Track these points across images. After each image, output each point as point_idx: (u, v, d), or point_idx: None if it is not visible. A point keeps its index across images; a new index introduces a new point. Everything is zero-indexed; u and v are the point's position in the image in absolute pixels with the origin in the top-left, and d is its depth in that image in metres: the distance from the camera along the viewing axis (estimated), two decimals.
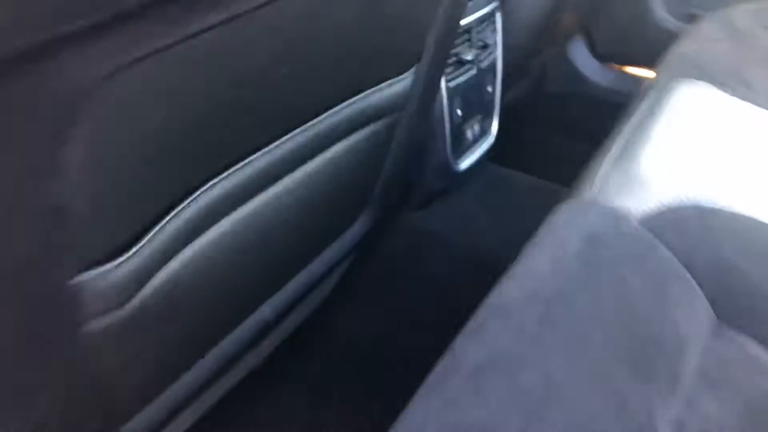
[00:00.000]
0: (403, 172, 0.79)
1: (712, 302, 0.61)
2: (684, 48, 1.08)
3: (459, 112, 0.92)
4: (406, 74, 0.66)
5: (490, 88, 1.00)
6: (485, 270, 0.63)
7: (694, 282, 0.61)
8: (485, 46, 0.94)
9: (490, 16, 0.96)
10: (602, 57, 1.64)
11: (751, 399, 0.55)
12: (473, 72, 0.92)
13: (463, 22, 0.87)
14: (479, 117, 1.00)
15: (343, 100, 0.61)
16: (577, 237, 0.61)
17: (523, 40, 1.06)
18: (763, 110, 0.84)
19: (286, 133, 0.54)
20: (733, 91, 0.91)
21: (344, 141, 0.66)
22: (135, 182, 0.38)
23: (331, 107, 0.59)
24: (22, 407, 0.37)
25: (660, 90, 0.90)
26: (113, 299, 0.39)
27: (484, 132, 1.03)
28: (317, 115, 0.57)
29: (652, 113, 0.82)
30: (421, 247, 0.98)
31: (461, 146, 0.97)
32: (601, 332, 0.53)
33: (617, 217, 0.64)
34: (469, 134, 0.98)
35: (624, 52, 1.64)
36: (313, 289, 0.83)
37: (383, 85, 0.65)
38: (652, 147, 0.73)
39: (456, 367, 0.48)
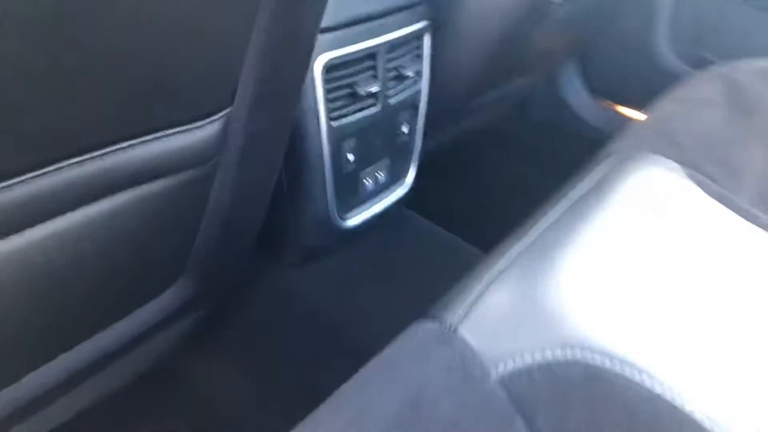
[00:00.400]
0: (229, 237, 0.60)
1: None
2: (670, 106, 0.87)
3: (350, 157, 0.72)
4: (209, 120, 0.47)
5: (405, 128, 0.80)
6: (344, 352, 0.57)
7: None
8: (399, 77, 0.74)
9: (414, 39, 0.75)
10: (595, 90, 1.43)
11: None
12: (376, 109, 0.72)
13: (364, 45, 0.67)
14: (386, 162, 0.80)
15: (128, 137, 0.43)
16: (401, 391, 0.42)
17: (466, 71, 0.85)
18: (738, 217, 0.63)
19: (57, 159, 0.37)
20: (709, 178, 0.70)
21: (136, 189, 0.47)
22: None
23: (113, 141, 0.41)
24: None
25: (613, 167, 0.69)
26: None
27: (394, 180, 0.83)
28: (96, 145, 0.39)
29: (582, 211, 0.61)
30: (284, 311, 0.79)
31: (354, 199, 0.77)
32: None
33: (470, 370, 0.45)
34: (367, 184, 0.78)
35: (620, 89, 1.43)
36: (120, 354, 0.65)
37: (179, 129, 0.46)
38: (554, 271, 0.52)
39: None
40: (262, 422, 0.75)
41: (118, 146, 0.43)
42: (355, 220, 0.77)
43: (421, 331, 0.48)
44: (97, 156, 0.42)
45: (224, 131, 0.49)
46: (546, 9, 0.88)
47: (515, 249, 0.54)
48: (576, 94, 1.45)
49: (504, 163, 1.38)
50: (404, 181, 0.85)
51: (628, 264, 0.52)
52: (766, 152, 0.79)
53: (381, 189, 0.81)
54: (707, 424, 0.40)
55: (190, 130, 0.46)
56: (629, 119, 1.40)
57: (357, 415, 0.40)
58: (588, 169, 0.71)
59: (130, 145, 0.44)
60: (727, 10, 1.21)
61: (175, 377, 0.82)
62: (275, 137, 0.54)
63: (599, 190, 0.65)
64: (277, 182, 0.71)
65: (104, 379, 0.70)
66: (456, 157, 1.24)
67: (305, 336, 0.78)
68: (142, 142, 0.44)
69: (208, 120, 0.47)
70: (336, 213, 0.74)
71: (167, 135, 0.45)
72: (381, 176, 0.80)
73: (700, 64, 1.15)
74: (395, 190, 0.83)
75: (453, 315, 0.48)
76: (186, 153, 0.48)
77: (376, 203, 0.81)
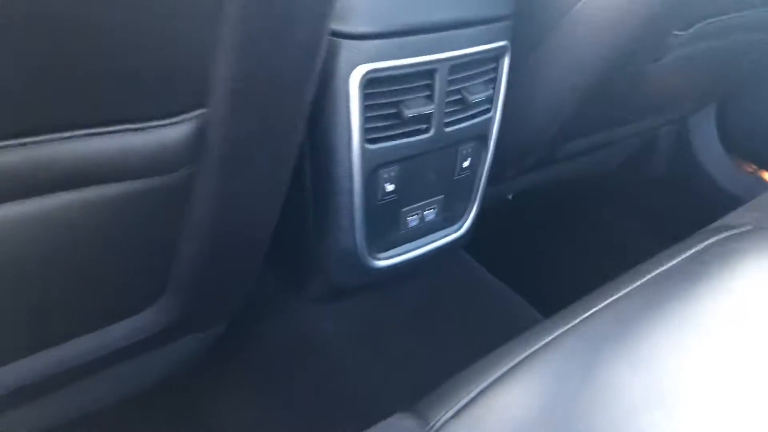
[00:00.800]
0: (220, 258, 0.52)
1: None
2: None
3: (389, 187, 0.62)
4: (179, 119, 0.39)
5: (467, 163, 0.68)
6: (346, 405, 0.53)
7: None
8: (462, 102, 0.63)
9: (489, 60, 0.64)
10: (733, 149, 1.21)
11: None
12: (428, 135, 0.61)
13: (419, 59, 0.57)
14: (439, 199, 0.68)
15: (86, 125, 0.36)
16: None
17: (557, 108, 0.72)
18: None
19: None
20: None
21: (102, 187, 0.41)
22: None
23: (68, 126, 0.34)
24: None
25: (724, 249, 0.54)
26: None
27: (447, 221, 0.71)
28: (52, 128, 0.33)
29: (672, 286, 0.47)
30: (297, 348, 0.69)
31: (390, 236, 0.66)
32: None
33: None
34: (412, 221, 0.67)
35: (763, 150, 1.19)
36: (100, 367, 0.59)
37: (139, 126, 0.38)
38: (616, 374, 0.39)
39: None
40: None
41: (67, 134, 0.36)
42: (389, 260, 0.66)
43: (397, 427, 0.36)
44: (43, 141, 0.36)
45: (199, 136, 0.40)
46: (669, 42, 0.73)
47: (548, 333, 0.41)
48: (708, 149, 1.24)
49: (600, 218, 1.20)
50: (460, 224, 0.73)
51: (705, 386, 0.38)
52: None
53: (428, 229, 0.70)
54: None
55: (153, 128, 0.38)
56: None
57: None
58: (691, 243, 0.56)
59: (78, 135, 0.37)
60: None
61: (179, 395, 0.75)
62: (273, 147, 0.45)
63: (698, 275, 0.49)
64: (303, 204, 0.63)
65: (92, 390, 0.65)
66: (534, 201, 1.09)
67: (312, 378, 0.68)
68: (94, 133, 0.37)
69: (174, 119, 0.39)
70: (365, 249, 0.63)
71: (125, 130, 0.38)
72: (430, 215, 0.68)
73: None
74: (447, 233, 0.72)
75: (434, 414, 0.36)
76: (151, 155, 0.40)
77: (420, 246, 0.69)
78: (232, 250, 0.53)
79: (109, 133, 0.37)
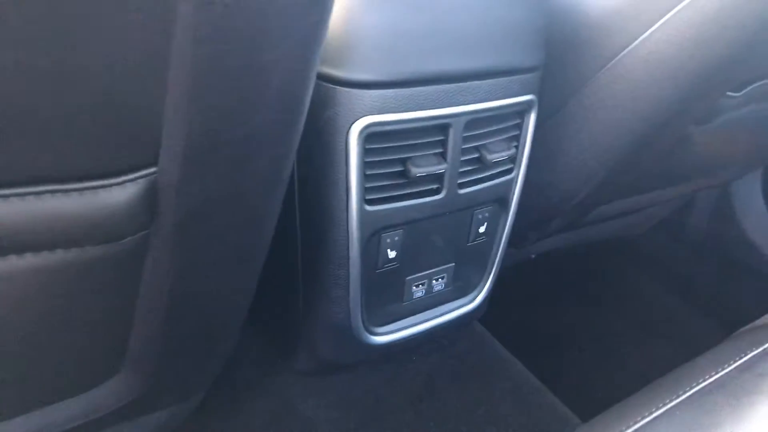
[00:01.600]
0: (186, 332, 0.44)
1: None
2: None
3: (391, 254, 0.54)
4: (121, 179, 0.32)
5: (483, 228, 0.60)
6: None
7: None
8: (480, 161, 0.55)
9: (514, 116, 0.56)
10: None
11: None
12: (439, 196, 0.53)
13: (432, 112, 0.49)
14: (449, 268, 0.60)
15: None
16: None
17: (589, 169, 0.63)
18: None
19: None
20: None
21: (32, 256, 0.34)
22: None
23: None
24: None
25: None
26: None
27: (459, 291, 0.63)
28: None
29: (731, 398, 0.38)
30: (279, 426, 0.61)
31: (392, 308, 0.58)
32: None
33: None
34: (415, 291, 0.59)
35: None
36: None
37: (73, 186, 0.31)
38: None
39: None
40: None
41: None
42: (388, 336, 0.58)
43: None
44: None
45: (150, 199, 0.33)
46: (719, 104, 0.65)
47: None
48: (753, 215, 1.14)
49: (629, 285, 1.10)
50: (474, 295, 0.64)
51: None
52: None
53: (436, 301, 0.61)
54: None
55: (89, 190, 0.31)
56: None
57: None
58: (753, 339, 0.47)
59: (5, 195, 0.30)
60: None
61: None
62: (244, 213, 0.38)
63: (764, 377, 0.40)
64: (291, 270, 0.55)
65: None
66: (559, 263, 1.00)
67: None
68: (20, 194, 0.30)
69: (117, 180, 0.32)
70: (360, 324, 0.55)
71: (51, 191, 0.31)
72: (438, 285, 0.60)
73: None
74: (458, 306, 0.63)
75: None
76: (90, 221, 0.33)
77: (426, 319, 0.61)
78: (199, 323, 0.45)
79: (30, 194, 0.30)
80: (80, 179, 0.31)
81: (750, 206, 1.17)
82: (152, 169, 0.32)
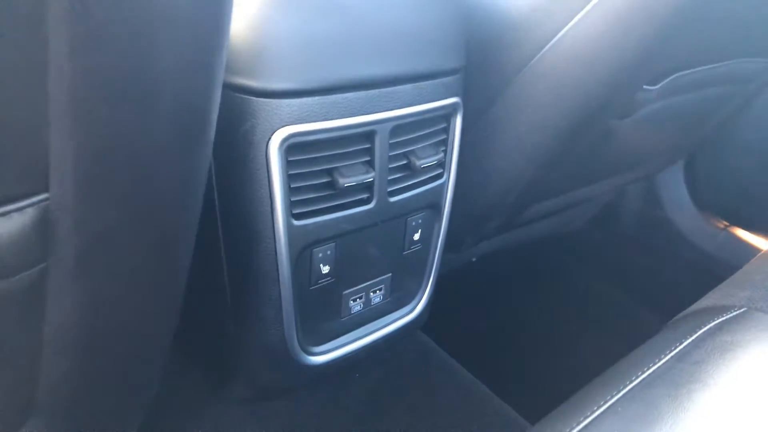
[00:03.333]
0: (101, 370, 0.41)
1: None
2: None
3: (324, 269, 0.52)
4: (6, 209, 0.29)
5: (418, 236, 0.59)
6: None
7: None
8: (409, 168, 0.54)
9: (439, 120, 0.55)
10: (704, 206, 1.15)
11: None
12: (369, 206, 0.52)
13: (356, 119, 0.48)
14: (386, 278, 0.58)
15: None
16: None
17: (518, 170, 0.63)
18: None
19: None
20: None
21: None
22: None
23: None
24: None
25: (730, 324, 0.45)
26: None
27: (397, 303, 0.61)
28: None
29: (678, 385, 0.38)
30: None
31: (329, 325, 0.56)
32: None
33: None
34: (354, 306, 0.57)
35: (737, 208, 1.14)
36: None
37: None
38: None
39: None
40: None
41: None
42: (327, 355, 0.56)
43: None
44: None
45: (43, 228, 0.30)
46: (637, 98, 0.66)
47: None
48: (678, 206, 1.18)
49: (571, 279, 1.12)
50: (413, 305, 0.63)
51: None
52: None
53: (375, 314, 0.60)
54: None
55: None
56: (754, 249, 1.11)
57: None
58: (696, 323, 0.47)
59: None
60: None
61: None
62: (152, 238, 0.35)
63: (700, 365, 0.40)
64: (219, 292, 0.52)
65: None
66: (499, 263, 1.00)
67: None
68: None
69: (2, 209, 0.28)
70: (296, 344, 0.53)
71: None
72: (377, 297, 0.58)
73: None
74: (398, 317, 0.61)
75: None
76: None
77: (366, 333, 0.59)
78: (116, 358, 0.42)
79: None
80: None
81: (675, 198, 1.21)
82: (43, 196, 0.29)
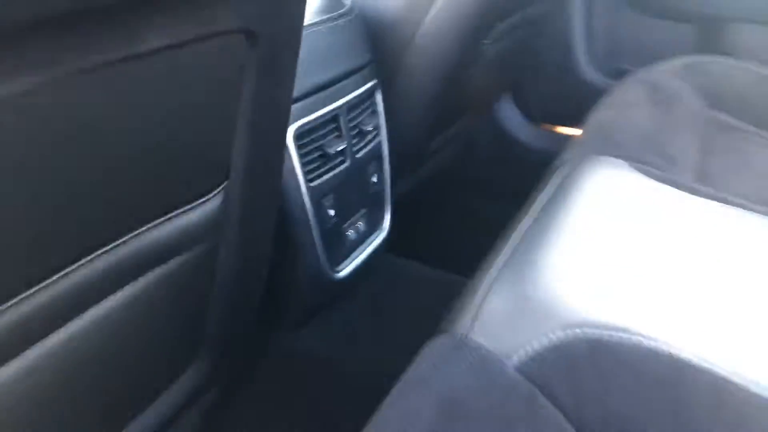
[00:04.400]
0: (237, 307, 0.64)
1: None
2: (603, 113, 0.96)
3: (331, 212, 0.77)
4: (211, 195, 0.52)
5: (375, 178, 0.86)
6: (368, 393, 0.53)
7: None
8: (361, 133, 0.81)
9: (368, 97, 0.83)
10: (532, 118, 1.54)
11: None
12: (346, 164, 0.78)
13: (327, 109, 0.74)
14: (364, 212, 0.85)
15: (141, 223, 0.46)
16: (430, 403, 0.46)
17: (418, 119, 0.93)
18: (683, 193, 0.71)
19: (85, 254, 0.42)
20: (652, 167, 0.78)
21: (155, 270, 0.51)
22: None
23: (116, 237, 0.44)
24: None
25: (569, 169, 0.77)
26: None
27: (373, 228, 0.89)
28: (103, 244, 0.43)
29: (557, 201, 0.68)
30: (300, 372, 0.81)
31: (340, 251, 0.82)
32: None
33: (489, 366, 0.49)
34: (350, 235, 0.83)
35: (553, 111, 1.54)
36: None
37: (187, 208, 0.50)
38: (548, 249, 0.58)
39: None
40: None
41: (131, 234, 0.47)
42: (345, 271, 0.82)
43: (437, 345, 0.52)
44: (118, 245, 0.46)
45: (224, 204, 0.53)
46: (477, 51, 0.98)
47: (502, 258, 0.60)
48: (516, 124, 1.55)
49: (465, 199, 1.46)
50: (382, 227, 0.90)
51: (602, 249, 0.59)
52: (693, 137, 0.89)
53: (363, 238, 0.86)
54: (703, 364, 0.46)
55: (196, 207, 0.51)
56: (569, 136, 1.51)
57: (400, 427, 0.43)
58: (546, 180, 0.78)
59: (143, 231, 0.48)
60: (631, 24, 1.34)
61: None
62: (268, 203, 0.59)
63: (562, 193, 0.71)
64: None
65: None
66: (426, 199, 1.31)
67: (322, 391, 0.81)
68: (155, 225, 0.48)
69: (210, 196, 0.52)
70: (327, 266, 0.78)
71: (176, 215, 0.49)
72: (361, 226, 0.85)
73: (619, 75, 1.27)
74: (375, 237, 0.89)
75: (461, 325, 0.52)
76: (195, 228, 0.52)
77: (361, 252, 0.85)
78: (245, 299, 0.65)
79: (173, 218, 0.49)
80: (192, 201, 0.50)
81: (512, 119, 1.58)
82: (224, 184, 0.52)
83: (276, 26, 0.45)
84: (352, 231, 0.83)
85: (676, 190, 0.69)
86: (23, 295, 0.40)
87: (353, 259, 0.84)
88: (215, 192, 0.52)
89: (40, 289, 0.42)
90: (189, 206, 0.50)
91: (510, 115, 1.54)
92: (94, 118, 0.38)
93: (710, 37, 1.30)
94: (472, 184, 1.52)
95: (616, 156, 0.77)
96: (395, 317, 0.88)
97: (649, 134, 0.89)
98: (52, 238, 0.41)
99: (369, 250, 0.87)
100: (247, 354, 0.73)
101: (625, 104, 0.98)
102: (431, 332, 0.55)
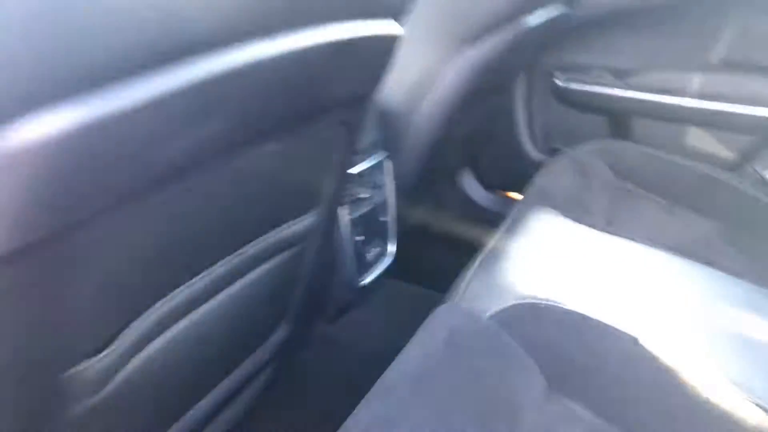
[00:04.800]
0: (313, 291, 0.99)
1: (547, 377, 0.81)
2: (540, 180, 1.37)
3: (359, 238, 1.14)
4: (308, 214, 0.88)
5: (383, 218, 1.23)
6: (383, 367, 0.77)
7: (531, 361, 0.82)
8: (377, 187, 1.19)
9: (380, 164, 1.22)
10: (487, 185, 1.97)
11: None
12: (370, 206, 1.16)
13: (357, 169, 1.12)
14: (378, 241, 1.22)
15: (260, 235, 0.81)
16: (442, 333, 0.82)
17: (410, 180, 1.32)
18: (595, 231, 1.12)
19: (217, 261, 0.73)
20: (574, 215, 1.18)
21: (263, 265, 0.85)
22: (109, 301, 0.55)
23: (251, 240, 0.79)
24: None
25: (518, 216, 1.16)
26: (92, 387, 0.54)
27: (383, 253, 1.25)
28: (242, 245, 0.77)
29: (511, 234, 1.07)
30: (332, 354, 1.15)
31: (363, 266, 1.18)
32: (457, 399, 0.72)
33: (473, 316, 0.86)
34: (369, 256, 1.19)
35: (503, 180, 1.97)
36: (238, 393, 0.98)
37: (291, 222, 0.86)
38: (506, 261, 0.97)
39: (348, 429, 0.65)
40: None
41: (254, 242, 0.82)
42: (367, 279, 1.18)
43: (441, 310, 0.88)
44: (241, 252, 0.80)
45: (311, 222, 0.89)
46: (449, 132, 1.39)
47: (475, 265, 0.98)
48: (475, 189, 1.97)
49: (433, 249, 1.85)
50: (387, 252, 1.27)
51: (540, 259, 0.98)
52: (604, 198, 1.31)
53: (376, 259, 1.23)
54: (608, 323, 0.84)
55: (298, 222, 0.87)
56: (515, 199, 1.93)
57: (423, 351, 0.79)
58: (500, 226, 1.18)
59: (263, 238, 0.83)
60: (561, 114, 1.80)
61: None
62: (333, 223, 0.95)
63: (513, 229, 1.11)
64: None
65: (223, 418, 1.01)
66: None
67: (352, 368, 1.14)
68: (267, 235, 0.84)
69: (310, 213, 0.88)
70: (356, 275, 1.14)
71: (281, 229, 0.85)
72: (376, 251, 1.22)
73: (552, 152, 1.72)
74: (385, 260, 1.25)
75: (454, 298, 0.89)
76: (291, 237, 0.87)
77: (376, 269, 1.22)
78: (317, 286, 0.99)
79: (287, 226, 0.84)
80: (300, 216, 0.86)
81: (472, 186, 1.98)
82: (318, 207, 0.88)
83: (361, 115, 0.83)
84: (371, 253, 1.20)
85: (592, 230, 1.10)
86: (186, 284, 0.66)
87: (372, 273, 1.20)
88: (313, 212, 0.88)
89: (196, 280, 0.68)
90: (289, 222, 0.85)
91: (470, 183, 1.96)
92: (240, 184, 0.73)
93: (620, 126, 1.77)
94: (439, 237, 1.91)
95: (550, 207, 1.18)
96: (399, 317, 1.23)
97: (572, 195, 1.30)
98: (208, 245, 0.73)
99: (381, 268, 1.23)
100: (307, 330, 1.07)
101: (557, 172, 1.40)
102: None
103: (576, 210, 1.23)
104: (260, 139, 0.60)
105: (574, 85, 1.76)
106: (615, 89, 1.71)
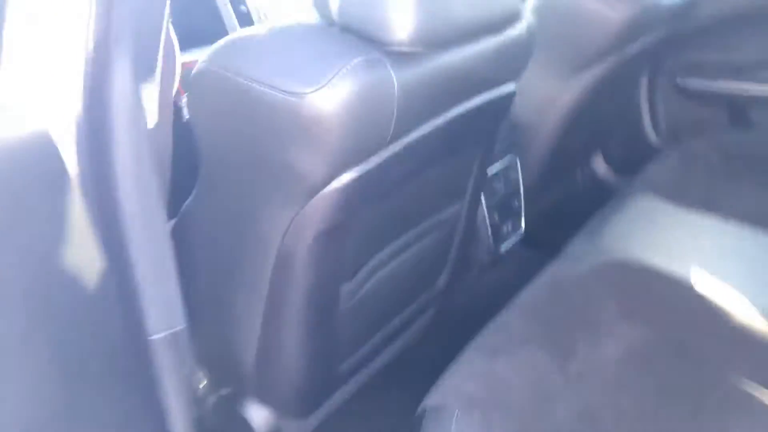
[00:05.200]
0: (461, 254, 1.44)
1: (623, 313, 1.20)
2: (652, 166, 1.69)
3: (496, 217, 1.57)
4: (458, 202, 1.33)
5: (516, 203, 1.65)
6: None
7: (613, 302, 1.21)
8: (509, 181, 1.61)
9: (511, 165, 1.63)
10: (615, 168, 2.27)
11: None
12: (504, 195, 1.58)
13: (493, 170, 1.54)
14: (512, 220, 1.65)
15: (430, 216, 1.29)
16: (547, 282, 1.24)
17: (536, 175, 1.72)
18: (692, 212, 1.44)
19: (408, 231, 1.23)
20: (675, 197, 1.50)
21: (431, 235, 1.33)
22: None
23: (425, 219, 1.27)
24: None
25: (624, 195, 1.52)
26: (350, 296, 1.06)
27: (516, 229, 1.67)
28: (420, 222, 1.25)
29: (614, 210, 1.45)
30: (481, 298, 1.61)
31: (500, 238, 1.61)
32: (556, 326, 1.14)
33: (573, 271, 1.26)
34: (504, 231, 1.62)
35: (629, 164, 2.26)
36: (412, 322, 1.48)
37: (449, 207, 1.32)
38: (607, 228, 1.36)
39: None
40: None
41: (430, 219, 1.29)
42: (503, 247, 1.61)
43: (549, 266, 1.29)
44: (423, 225, 1.28)
45: (460, 206, 1.34)
46: (574, 135, 1.76)
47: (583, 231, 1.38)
48: (603, 172, 2.28)
49: None
50: (520, 229, 1.69)
51: (638, 228, 1.36)
52: (709, 182, 1.59)
53: (510, 234, 1.65)
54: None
55: (453, 206, 1.32)
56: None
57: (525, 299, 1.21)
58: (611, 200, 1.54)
59: (434, 216, 1.29)
60: (682, 107, 2.05)
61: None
62: (476, 208, 1.40)
63: (617, 207, 1.48)
64: None
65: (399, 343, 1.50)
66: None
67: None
68: (437, 215, 1.30)
69: (459, 201, 1.33)
70: (494, 245, 1.58)
71: (447, 209, 1.31)
72: (509, 227, 1.64)
73: (674, 141, 1.98)
74: (516, 234, 1.67)
75: (562, 256, 1.30)
76: (451, 216, 1.33)
77: (510, 240, 1.64)
78: (464, 251, 1.45)
79: (445, 211, 1.31)
80: (445, 207, 1.31)
81: (600, 168, 2.30)
82: (461, 201, 1.33)
83: (492, 142, 1.26)
84: (505, 228, 1.62)
85: (689, 210, 1.43)
86: (391, 243, 1.19)
87: (507, 243, 1.63)
88: (457, 203, 1.33)
89: (396, 242, 1.21)
90: (448, 207, 1.31)
91: (598, 166, 2.28)
92: (422, 185, 1.20)
93: (739, 117, 1.98)
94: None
95: (651, 191, 1.52)
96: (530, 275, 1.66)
97: (676, 180, 1.61)
98: (403, 221, 1.21)
99: (513, 239, 1.65)
100: (458, 282, 1.53)
101: (666, 161, 1.71)
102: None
103: (678, 193, 1.54)
104: (439, 161, 1.09)
105: (694, 80, 2.00)
106: (733, 82, 1.92)
